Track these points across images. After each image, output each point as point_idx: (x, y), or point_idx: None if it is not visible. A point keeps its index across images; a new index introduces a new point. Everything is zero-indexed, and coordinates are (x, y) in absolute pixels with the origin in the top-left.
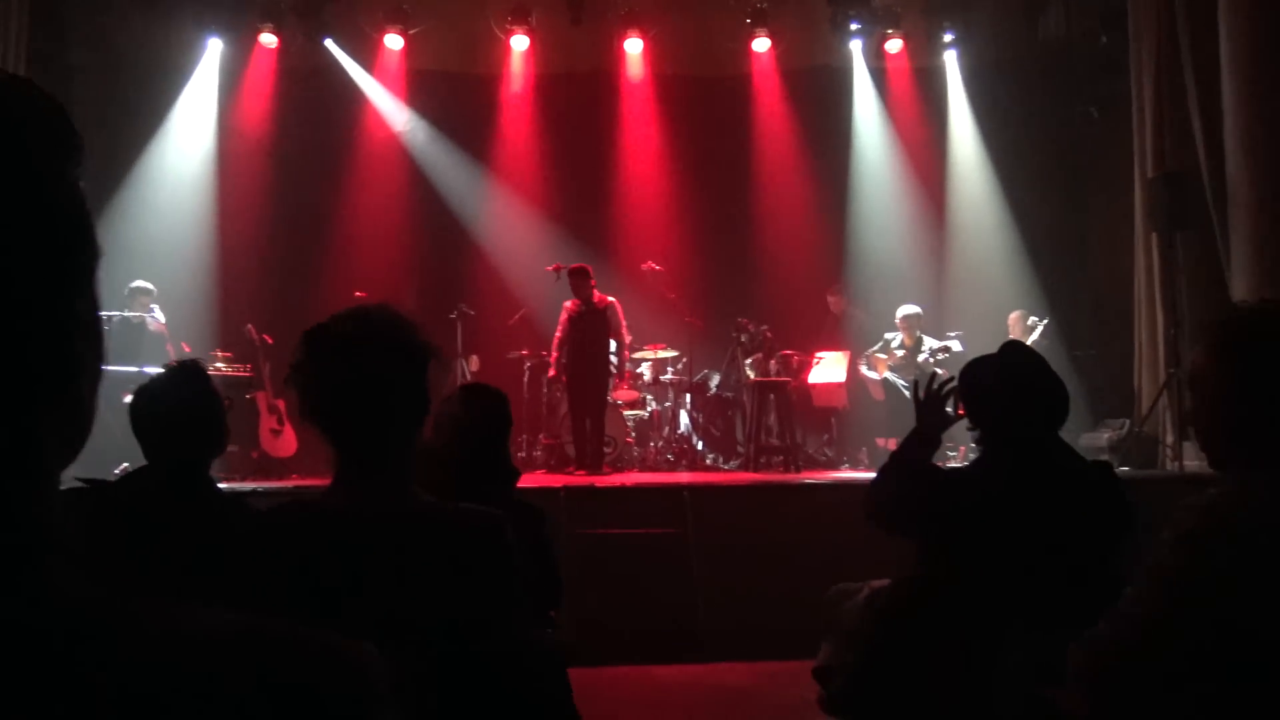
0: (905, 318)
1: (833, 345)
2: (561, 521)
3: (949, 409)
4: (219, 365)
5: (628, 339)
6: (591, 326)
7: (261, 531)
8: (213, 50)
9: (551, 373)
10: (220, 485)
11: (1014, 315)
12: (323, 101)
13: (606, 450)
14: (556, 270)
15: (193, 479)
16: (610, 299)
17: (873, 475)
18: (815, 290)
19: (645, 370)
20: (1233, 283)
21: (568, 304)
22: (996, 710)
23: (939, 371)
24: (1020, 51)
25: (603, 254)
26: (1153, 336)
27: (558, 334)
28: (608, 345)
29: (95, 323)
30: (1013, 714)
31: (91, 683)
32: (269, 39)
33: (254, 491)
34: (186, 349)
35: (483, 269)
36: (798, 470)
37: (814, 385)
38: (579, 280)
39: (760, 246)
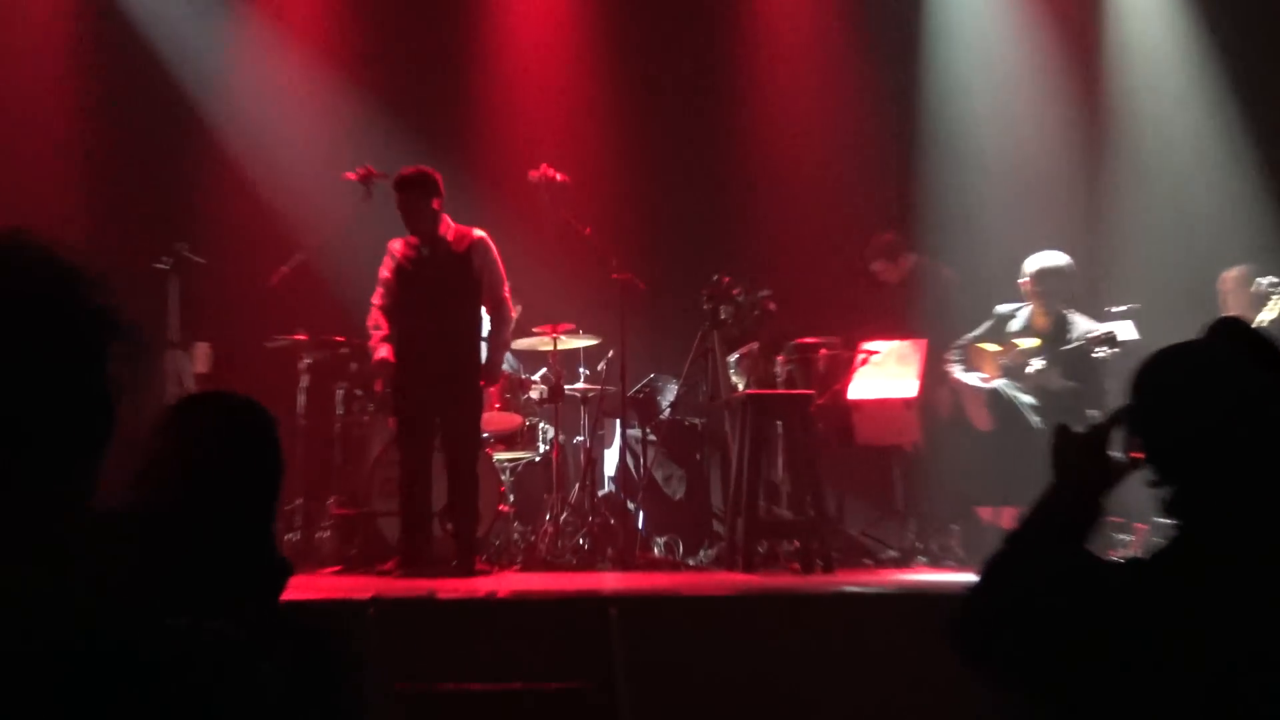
0: (1040, 274)
1: (893, 329)
2: (374, 666)
3: (1116, 452)
4: None
5: (512, 309)
6: (440, 284)
7: None
8: None
9: (387, 353)
10: None
11: (1232, 274)
12: None
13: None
14: (364, 179)
15: None
16: (478, 232)
17: (972, 576)
18: (858, 235)
19: (536, 374)
20: None
21: (394, 244)
22: None
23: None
24: None
25: (461, 157)
26: None
27: (376, 300)
28: (474, 319)
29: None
30: None
31: None
32: None
33: None
34: None
35: (225, 182)
36: (828, 569)
37: (860, 404)
38: (413, 197)
39: (755, 163)
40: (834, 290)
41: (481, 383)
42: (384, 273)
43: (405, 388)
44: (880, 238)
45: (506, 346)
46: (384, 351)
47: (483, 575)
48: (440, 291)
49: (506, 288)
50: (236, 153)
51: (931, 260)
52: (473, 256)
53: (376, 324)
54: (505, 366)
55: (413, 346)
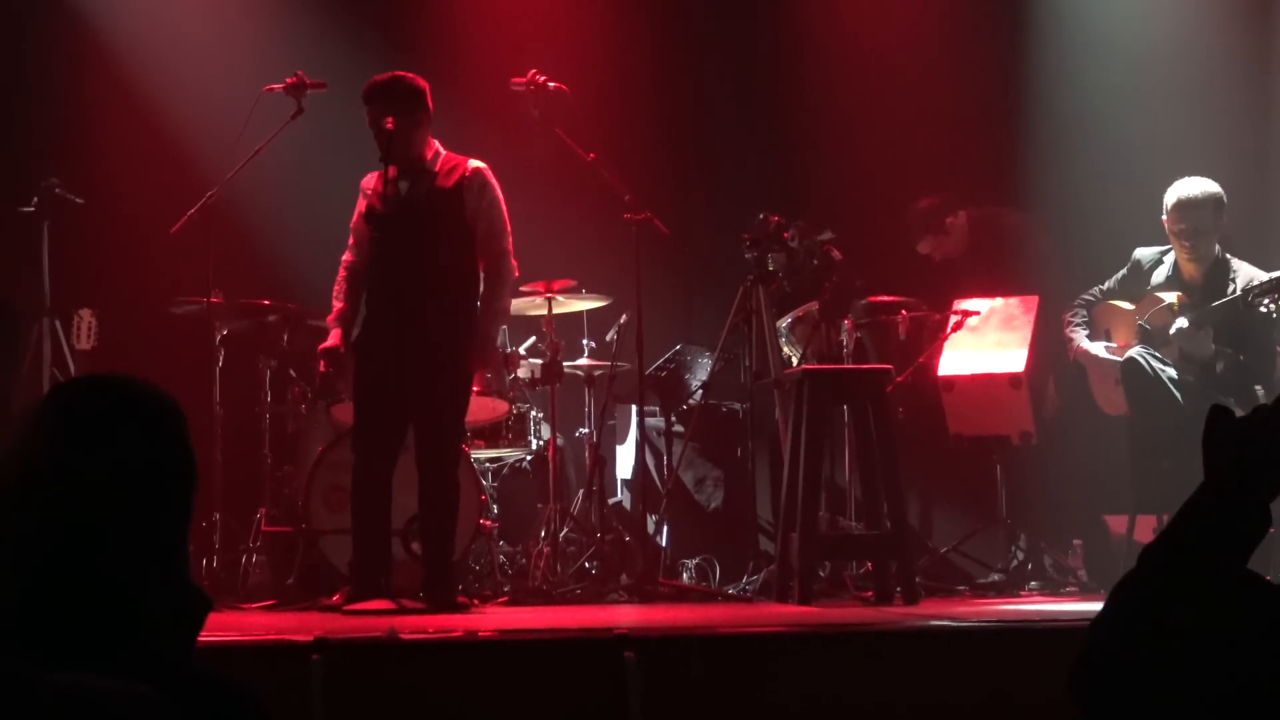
0: (1181, 206)
1: (990, 284)
2: None
3: None
4: None
5: (515, 268)
6: (419, 229)
7: None
8: None
9: (331, 339)
10: None
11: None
12: None
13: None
14: (292, 91)
15: None
16: (475, 163)
17: (1098, 606)
18: (947, 164)
19: (525, 346)
20: None
21: (368, 181)
22: None
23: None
24: None
25: (421, 62)
26: None
27: (345, 256)
28: (465, 277)
29: None
30: None
31: None
32: None
33: None
34: None
35: (110, 98)
36: (910, 598)
37: (954, 382)
38: (388, 112)
39: (815, 73)
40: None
41: (469, 367)
42: (356, 218)
43: (369, 367)
44: (915, 209)
45: (504, 317)
46: (332, 336)
47: (459, 610)
48: (418, 240)
49: (509, 238)
50: (125, 60)
51: (989, 210)
52: (465, 194)
53: (340, 290)
54: (506, 344)
55: (381, 312)
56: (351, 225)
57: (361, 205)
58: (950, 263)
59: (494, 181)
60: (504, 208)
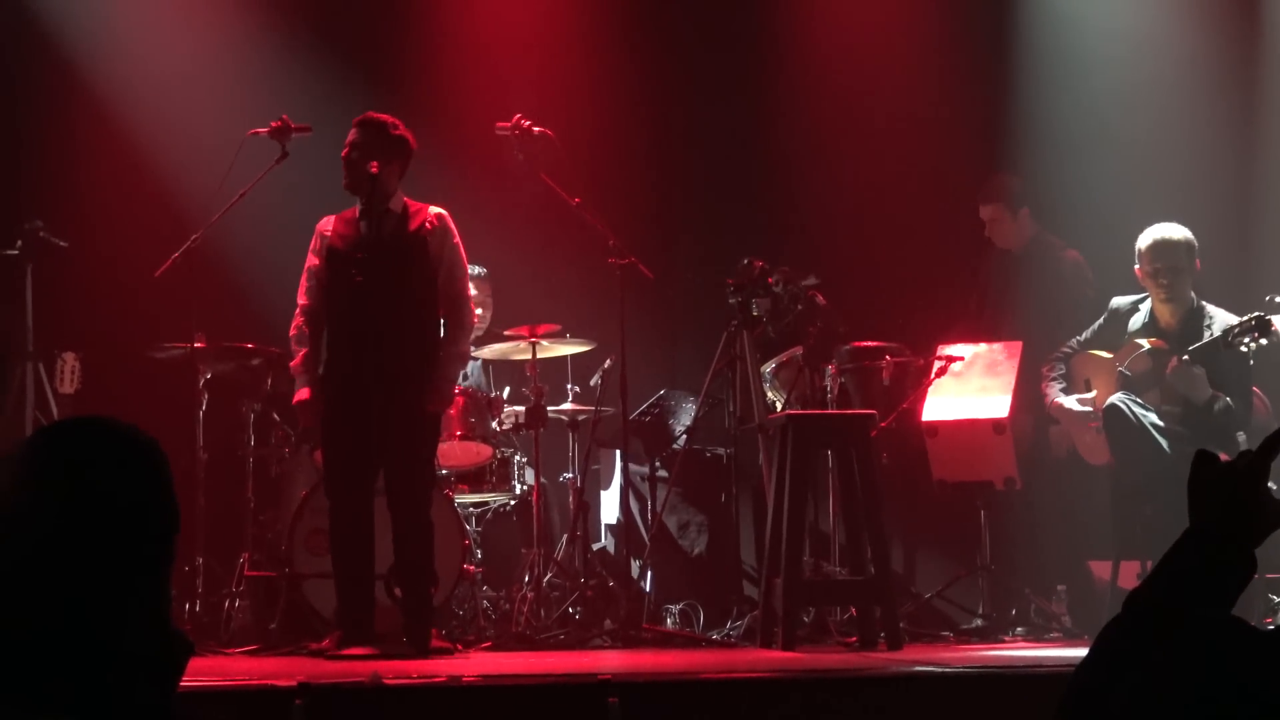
0: (1155, 249)
1: (980, 328)
2: None
3: (1276, 487)
4: None
5: (474, 313)
6: (385, 272)
7: None
8: None
9: (302, 392)
10: None
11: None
12: None
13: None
14: (277, 134)
15: None
16: (436, 210)
17: (1083, 652)
18: (931, 217)
19: (508, 390)
20: None
21: (325, 223)
22: None
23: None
24: None
25: (405, 105)
26: None
27: (301, 299)
28: (429, 320)
29: None
30: None
31: None
32: None
33: None
34: None
35: (93, 140)
36: (894, 643)
37: (938, 428)
38: (373, 142)
39: (799, 120)
40: (899, 285)
41: (429, 408)
42: (312, 259)
43: (337, 412)
44: (1003, 178)
45: (463, 361)
46: (303, 386)
47: (442, 655)
48: (382, 280)
49: (468, 282)
50: (110, 103)
51: (1051, 235)
52: (429, 240)
53: (300, 335)
54: (466, 382)
55: (347, 356)
56: (306, 268)
57: (318, 247)
58: (999, 258)
59: (455, 229)
60: (464, 255)
